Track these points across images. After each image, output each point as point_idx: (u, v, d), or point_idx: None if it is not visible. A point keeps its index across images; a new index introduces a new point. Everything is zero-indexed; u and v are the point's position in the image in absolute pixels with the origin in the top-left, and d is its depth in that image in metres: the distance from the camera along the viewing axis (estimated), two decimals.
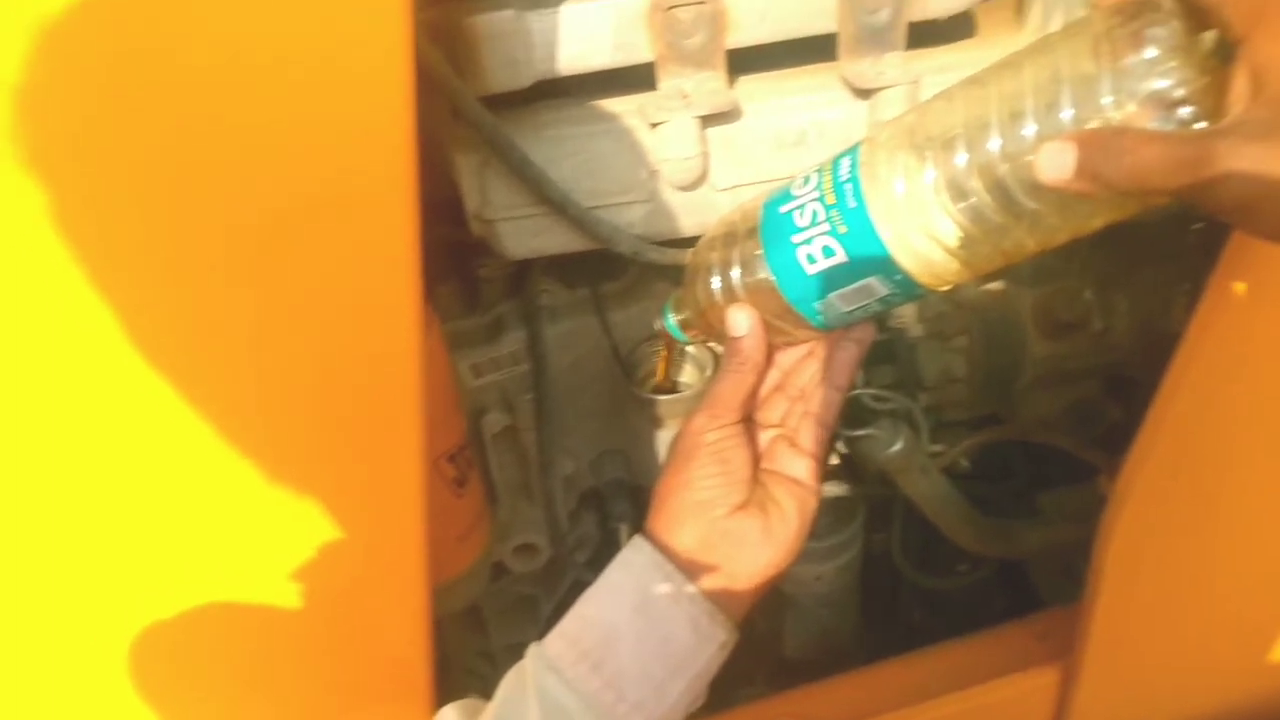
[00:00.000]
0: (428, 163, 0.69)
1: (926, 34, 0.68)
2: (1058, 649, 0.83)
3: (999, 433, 0.89)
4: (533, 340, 0.81)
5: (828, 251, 0.49)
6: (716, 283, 0.55)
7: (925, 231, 0.46)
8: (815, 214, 0.50)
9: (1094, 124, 0.39)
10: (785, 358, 0.59)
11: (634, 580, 0.54)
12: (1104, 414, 0.92)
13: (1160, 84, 0.38)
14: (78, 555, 0.57)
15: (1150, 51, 0.38)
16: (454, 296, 0.82)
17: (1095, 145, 0.37)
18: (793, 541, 0.56)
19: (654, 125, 0.64)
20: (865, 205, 0.47)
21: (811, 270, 0.50)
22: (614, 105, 0.67)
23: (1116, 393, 0.92)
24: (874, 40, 0.65)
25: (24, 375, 0.51)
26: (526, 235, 0.68)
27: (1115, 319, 0.86)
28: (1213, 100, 0.38)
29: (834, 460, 0.93)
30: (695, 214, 0.69)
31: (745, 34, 0.64)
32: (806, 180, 0.52)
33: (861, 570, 1.01)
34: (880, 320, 0.86)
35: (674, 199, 0.68)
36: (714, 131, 0.66)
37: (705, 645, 0.53)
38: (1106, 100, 0.39)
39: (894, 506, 0.96)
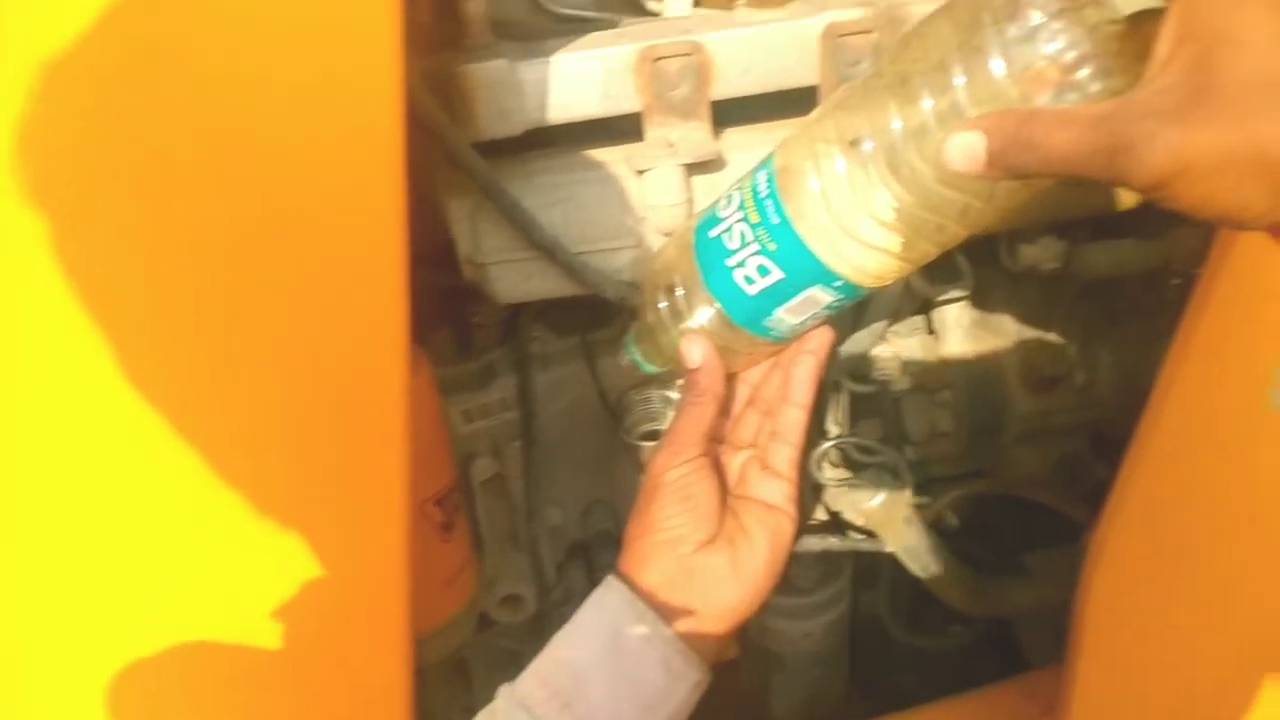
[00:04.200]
0: (423, 211, 0.71)
1: None
2: (1045, 708, 0.82)
3: (984, 484, 0.90)
4: (523, 386, 0.82)
5: (763, 270, 0.49)
6: (666, 312, 0.54)
7: (852, 237, 0.45)
8: (743, 235, 0.49)
9: (990, 96, 0.38)
10: (753, 373, 0.59)
11: (606, 620, 0.53)
12: (1091, 472, 0.92)
13: (1048, 49, 0.37)
14: (59, 587, 0.57)
15: (1034, 17, 0.37)
16: (447, 342, 0.84)
17: (1004, 135, 0.37)
18: (763, 575, 0.55)
19: (640, 173, 0.66)
20: (788, 220, 0.47)
21: (752, 291, 0.50)
22: (602, 154, 0.69)
23: (1103, 451, 0.92)
24: None
25: (15, 403, 0.52)
26: (517, 279, 0.69)
27: (1098, 372, 0.87)
28: (1116, 53, 0.36)
29: (821, 516, 0.93)
30: None
31: (729, 85, 0.66)
32: (729, 199, 0.51)
33: (850, 633, 1.00)
34: (864, 374, 0.87)
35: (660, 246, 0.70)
36: (699, 179, 0.68)
37: (678, 685, 0.52)
38: (999, 72, 0.38)
39: (881, 564, 0.96)
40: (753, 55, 0.65)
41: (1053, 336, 0.86)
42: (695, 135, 0.66)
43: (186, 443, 0.54)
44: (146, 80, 0.46)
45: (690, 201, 0.68)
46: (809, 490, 0.87)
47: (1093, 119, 0.35)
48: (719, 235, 0.50)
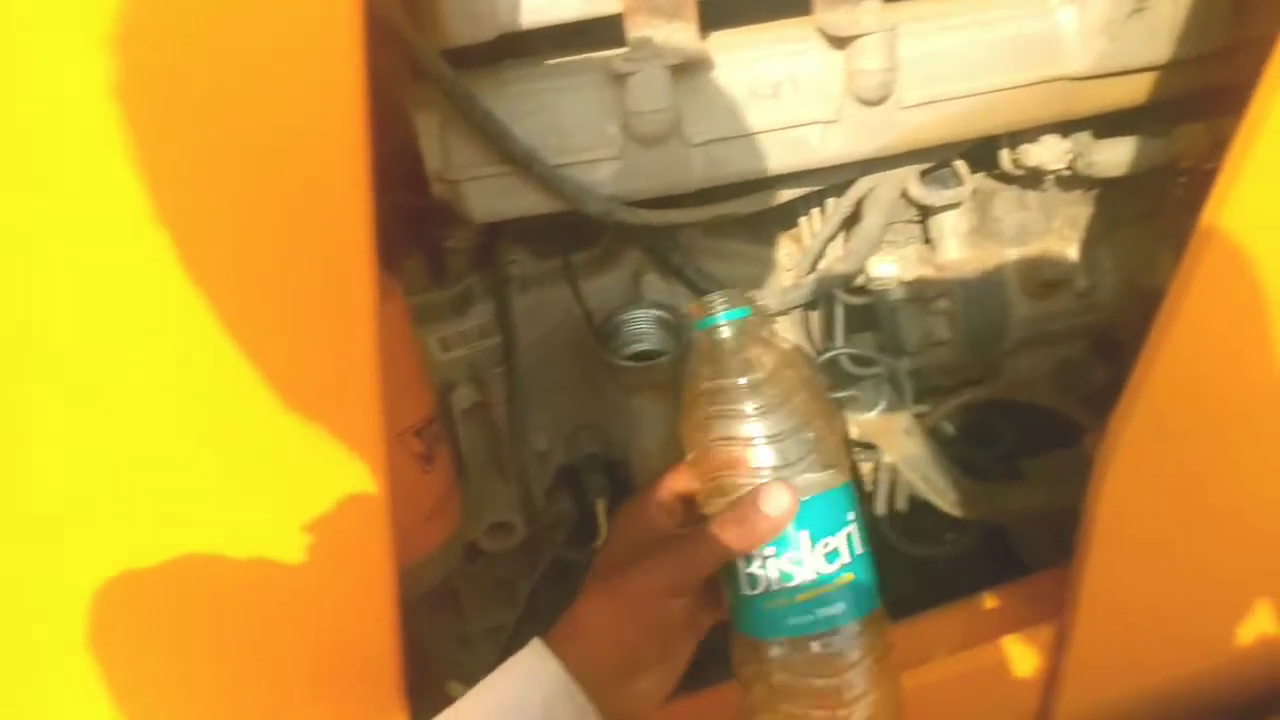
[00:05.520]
0: (391, 130, 0.66)
1: None
2: (1048, 611, 0.81)
3: (984, 391, 0.87)
4: (501, 311, 0.78)
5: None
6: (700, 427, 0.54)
7: None
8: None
9: None
10: None
11: (540, 698, 0.52)
12: (1091, 376, 0.90)
13: None
14: (37, 530, 0.54)
15: None
16: (420, 269, 0.79)
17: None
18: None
19: (622, 77, 0.61)
20: None
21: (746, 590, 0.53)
22: (581, 60, 0.64)
23: (1104, 354, 0.90)
24: None
25: None
26: (492, 196, 0.65)
27: (1100, 276, 0.84)
28: None
29: None
30: (667, 173, 0.66)
31: None
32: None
33: None
34: (858, 285, 0.84)
35: (645, 156, 0.65)
36: (686, 85, 0.63)
37: None
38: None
39: (878, 474, 0.94)
40: None
41: (1053, 241, 0.83)
42: (680, 36, 0.61)
43: (157, 381, 0.51)
44: None
45: (676, 107, 0.63)
46: None
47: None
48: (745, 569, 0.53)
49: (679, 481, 0.57)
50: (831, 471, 0.52)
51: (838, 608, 0.51)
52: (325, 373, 0.54)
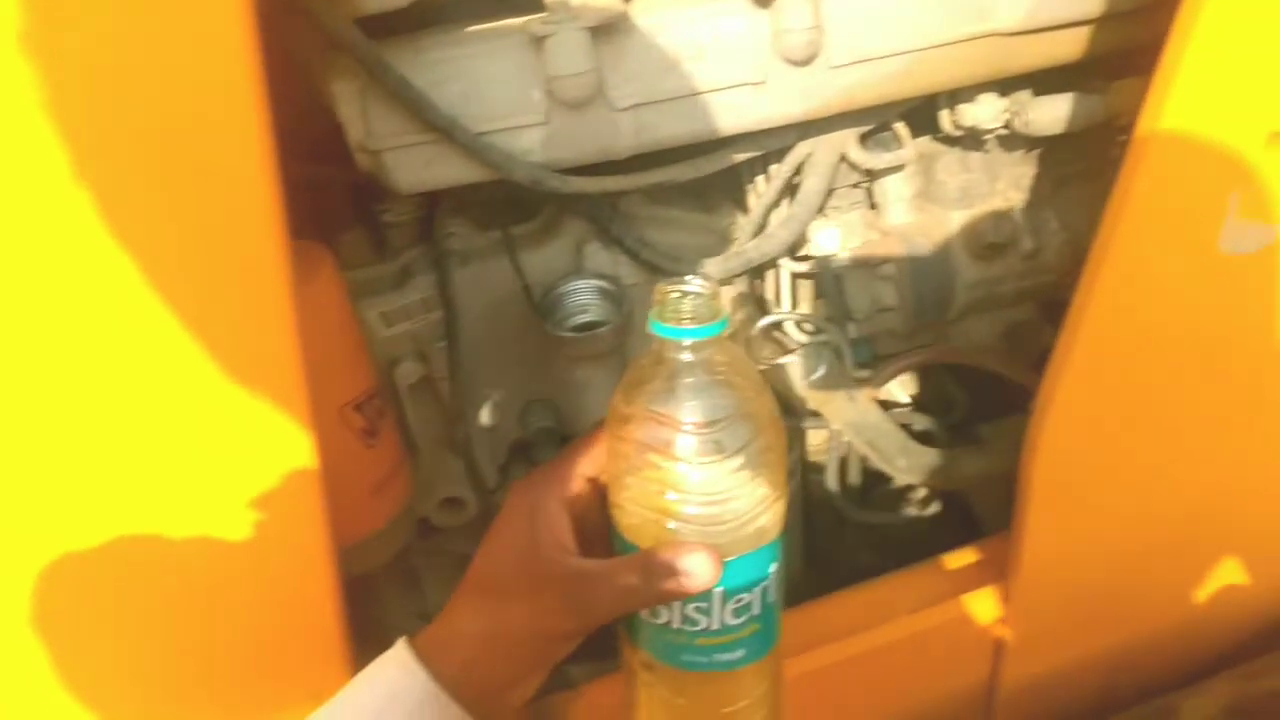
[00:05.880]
0: (323, 104, 0.65)
1: None
2: (1000, 573, 0.81)
3: (930, 354, 0.87)
4: (442, 285, 0.77)
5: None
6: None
7: None
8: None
9: None
10: None
11: (405, 711, 0.50)
12: (1040, 338, 0.90)
13: None
14: None
15: None
16: (360, 243, 0.78)
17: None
18: None
19: (540, 39, 0.60)
20: None
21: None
22: (498, 25, 0.63)
23: (1052, 317, 0.90)
24: None
25: None
26: (416, 166, 0.64)
27: (1046, 238, 0.83)
28: None
29: None
30: (595, 139, 0.66)
31: None
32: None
33: (804, 514, 0.99)
34: (803, 253, 0.84)
35: (571, 122, 0.64)
36: (609, 48, 0.63)
37: None
38: None
39: (831, 442, 0.93)
40: None
41: (997, 203, 0.82)
42: None
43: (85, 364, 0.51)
44: None
45: (598, 70, 0.62)
46: None
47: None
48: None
49: (589, 469, 0.53)
50: (765, 527, 0.47)
51: (736, 654, 0.48)
52: (243, 341, 0.54)
